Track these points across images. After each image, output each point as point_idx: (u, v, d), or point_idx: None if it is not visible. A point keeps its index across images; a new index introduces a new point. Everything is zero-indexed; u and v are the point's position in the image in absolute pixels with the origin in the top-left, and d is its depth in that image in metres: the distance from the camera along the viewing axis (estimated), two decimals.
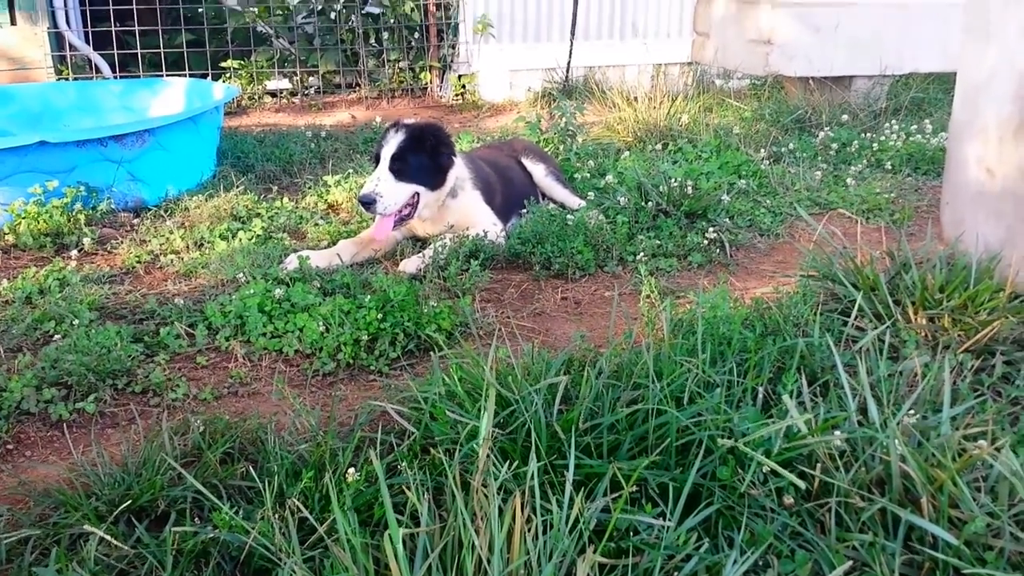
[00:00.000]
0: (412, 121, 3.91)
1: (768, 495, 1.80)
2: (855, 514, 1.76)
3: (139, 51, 7.42)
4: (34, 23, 7.18)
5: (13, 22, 7.16)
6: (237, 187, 4.71)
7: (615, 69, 8.15)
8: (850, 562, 1.57)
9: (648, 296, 3.17)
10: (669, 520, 1.71)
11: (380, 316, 2.91)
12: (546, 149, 5.19)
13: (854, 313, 2.65)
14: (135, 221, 4.26)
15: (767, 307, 2.84)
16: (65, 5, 7.33)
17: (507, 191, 4.23)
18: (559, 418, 2.03)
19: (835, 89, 6.64)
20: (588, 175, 4.88)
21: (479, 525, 1.57)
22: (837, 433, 1.90)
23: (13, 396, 2.48)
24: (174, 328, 2.97)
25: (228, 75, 7.74)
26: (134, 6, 7.29)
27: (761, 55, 6.71)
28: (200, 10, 7.86)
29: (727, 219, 4.09)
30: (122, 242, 3.94)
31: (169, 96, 6.00)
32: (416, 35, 8.12)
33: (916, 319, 2.72)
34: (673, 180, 4.21)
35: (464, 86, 8.05)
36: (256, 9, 7.74)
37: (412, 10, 7.90)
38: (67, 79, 7.11)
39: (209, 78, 7.31)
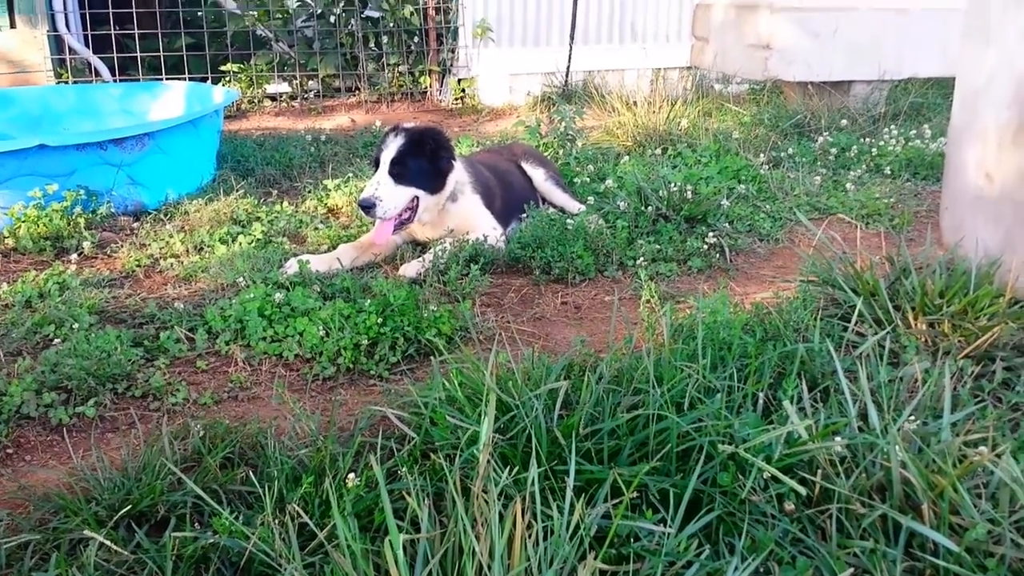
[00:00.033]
0: (412, 125, 3.91)
1: (769, 501, 1.80)
2: (856, 520, 1.76)
3: (139, 55, 7.43)
4: (34, 26, 7.19)
5: (13, 25, 7.17)
6: (237, 191, 4.70)
7: (614, 73, 8.16)
8: (851, 569, 1.57)
9: (648, 301, 3.18)
10: (670, 526, 1.71)
11: (380, 320, 2.91)
12: (546, 153, 5.20)
13: (854, 318, 2.65)
14: (135, 225, 4.25)
15: (767, 312, 2.84)
16: (65, 8, 7.35)
17: (507, 195, 4.23)
18: (559, 423, 2.03)
19: (834, 94, 6.65)
20: (588, 179, 4.88)
21: (479, 531, 1.57)
22: (838, 439, 1.90)
23: (13, 400, 2.48)
24: (174, 332, 2.97)
25: (228, 79, 7.75)
26: (134, 9, 7.30)
27: (760, 60, 6.72)
28: (200, 14, 7.89)
29: (727, 224, 4.09)
30: (122, 246, 3.94)
31: (169, 100, 6.00)
32: (415, 39, 8.13)
33: (916, 325, 2.72)
34: (673, 185, 4.22)
35: (464, 90, 8.06)
36: (256, 13, 7.75)
37: (411, 14, 7.91)
38: (67, 82, 7.12)
39: (209, 82, 7.31)
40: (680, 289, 3.47)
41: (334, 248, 3.85)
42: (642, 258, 3.68)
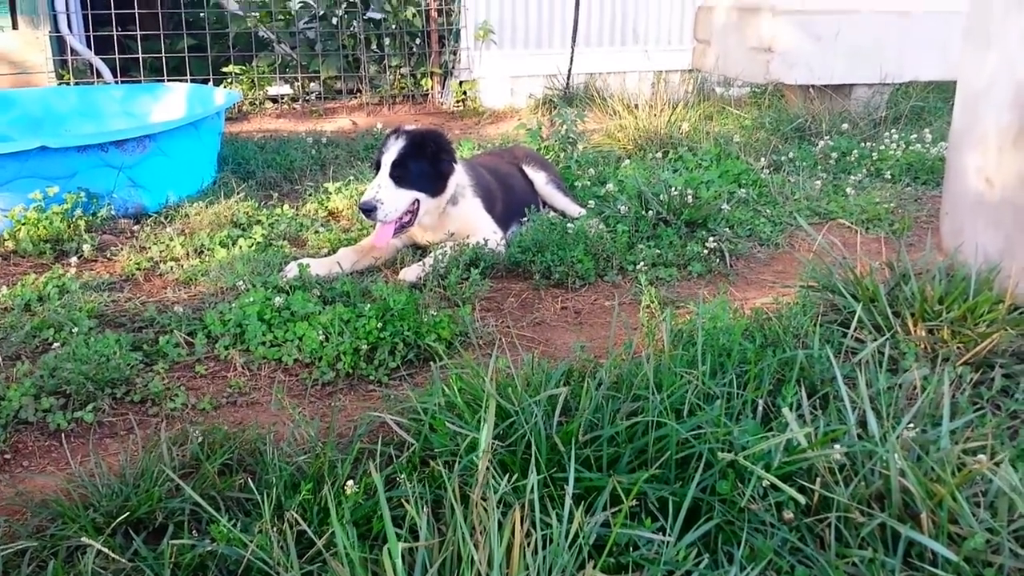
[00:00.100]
0: (413, 127, 3.91)
1: (768, 510, 1.79)
2: (855, 529, 1.75)
3: (140, 56, 7.44)
4: (36, 27, 7.19)
5: (15, 26, 7.18)
6: (238, 194, 4.71)
7: (616, 76, 8.16)
8: None
9: (648, 306, 3.18)
10: (669, 535, 1.71)
11: (380, 325, 2.90)
12: (547, 156, 5.19)
13: (854, 325, 2.65)
14: (135, 228, 4.25)
15: (767, 318, 2.84)
16: (67, 9, 7.35)
17: (508, 199, 4.23)
18: (559, 430, 2.02)
19: (835, 97, 6.64)
20: (589, 183, 4.88)
21: (478, 539, 1.57)
22: (837, 447, 1.90)
23: (11, 405, 2.48)
24: (173, 337, 2.97)
25: (229, 80, 7.76)
26: (136, 10, 7.30)
27: (762, 63, 6.72)
28: (202, 15, 7.90)
29: (727, 228, 4.09)
30: (122, 249, 3.94)
31: (170, 101, 6.01)
32: (417, 41, 8.14)
33: (915, 331, 2.71)
34: (673, 189, 4.22)
35: (465, 92, 8.06)
36: (258, 14, 7.76)
37: (414, 16, 7.92)
38: (68, 84, 7.12)
39: (210, 83, 7.32)
40: (680, 294, 3.47)
41: (334, 252, 3.85)
42: (642, 263, 3.68)
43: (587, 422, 2.04)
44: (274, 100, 7.94)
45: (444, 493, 1.80)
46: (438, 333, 2.94)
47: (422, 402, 2.25)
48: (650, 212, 4.12)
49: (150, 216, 4.46)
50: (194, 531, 1.91)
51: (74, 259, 3.80)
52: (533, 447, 1.94)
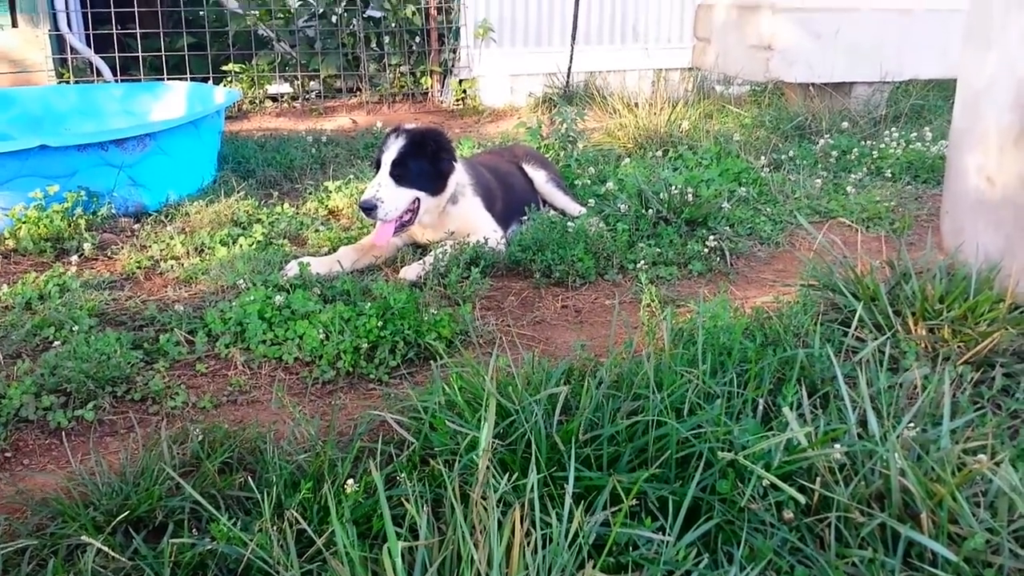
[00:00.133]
0: (413, 126, 3.90)
1: (768, 509, 1.80)
2: (855, 529, 1.75)
3: (140, 54, 7.44)
4: (35, 25, 7.19)
5: (14, 24, 7.18)
6: (238, 192, 4.71)
7: (616, 74, 8.16)
8: None
9: (648, 305, 3.18)
10: (669, 534, 1.71)
11: (380, 324, 2.90)
12: (547, 155, 5.19)
13: (854, 324, 2.65)
14: (135, 226, 4.25)
15: (767, 317, 2.84)
16: (66, 7, 7.35)
17: (508, 197, 4.23)
18: (559, 429, 2.02)
19: (835, 96, 6.64)
20: (589, 182, 4.88)
21: (478, 539, 1.57)
22: (837, 446, 1.90)
23: (12, 403, 2.48)
24: (174, 335, 2.97)
25: (229, 79, 7.76)
26: (135, 9, 7.30)
27: (762, 61, 6.72)
28: (201, 13, 7.89)
29: (727, 227, 4.09)
30: (122, 247, 3.94)
31: (170, 100, 6.01)
32: (417, 39, 8.14)
33: (916, 330, 2.71)
34: (674, 187, 4.22)
35: (465, 91, 8.06)
36: (257, 12, 7.75)
37: (413, 14, 7.91)
38: (68, 82, 7.12)
39: (210, 82, 7.31)
40: (680, 293, 3.47)
41: (335, 250, 3.85)
42: (643, 261, 3.68)
43: (587, 421, 2.04)
44: (274, 99, 7.93)
45: (444, 492, 1.80)
46: (438, 332, 2.94)
47: (422, 401, 2.25)
48: (650, 211, 4.12)
49: (150, 215, 4.46)
50: (194, 530, 1.91)
51: (75, 258, 3.80)
52: (533, 446, 1.94)
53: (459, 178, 3.95)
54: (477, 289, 3.42)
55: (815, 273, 3.12)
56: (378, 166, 3.79)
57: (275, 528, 1.75)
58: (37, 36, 7.18)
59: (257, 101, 7.77)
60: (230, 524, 1.80)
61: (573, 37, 7.73)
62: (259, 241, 4.00)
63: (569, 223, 3.88)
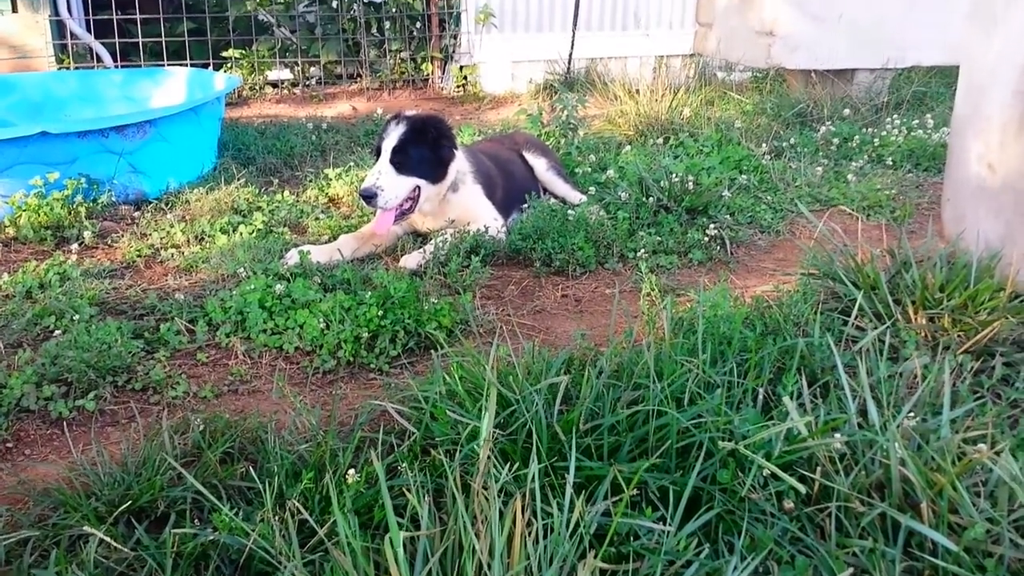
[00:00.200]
0: (413, 113, 3.89)
1: (768, 499, 1.80)
2: (855, 519, 1.76)
3: (140, 40, 7.40)
4: (35, 11, 7.15)
5: (15, 9, 7.14)
6: (238, 180, 4.70)
7: (617, 61, 8.12)
8: (850, 569, 1.57)
9: (649, 294, 3.18)
10: (669, 524, 1.71)
11: (381, 313, 2.90)
12: (547, 142, 5.17)
13: (854, 313, 2.65)
14: (136, 214, 4.25)
15: (767, 306, 2.84)
16: None
17: (508, 185, 4.22)
18: (560, 419, 2.03)
19: (837, 82, 6.62)
20: (589, 169, 4.87)
21: (479, 529, 1.57)
22: (837, 436, 1.90)
23: (13, 393, 2.48)
24: (174, 324, 2.97)
25: (229, 65, 7.72)
26: None
27: (764, 47, 6.69)
28: None
29: (728, 215, 4.08)
30: (123, 235, 3.93)
31: (171, 86, 5.98)
32: (418, 25, 8.09)
33: (916, 319, 2.71)
34: (674, 175, 4.21)
35: (466, 77, 8.03)
36: None
37: None
38: (68, 68, 7.09)
39: (210, 68, 7.29)
40: (681, 282, 3.47)
41: (335, 239, 3.84)
42: (643, 250, 3.67)
43: (588, 411, 2.04)
44: (274, 85, 7.90)
45: (445, 482, 1.81)
46: (439, 321, 2.94)
47: (423, 390, 2.25)
48: (651, 199, 4.11)
49: (150, 202, 4.45)
50: (196, 520, 1.92)
51: (75, 246, 3.80)
52: (534, 436, 1.94)
53: (460, 166, 3.94)
54: (477, 278, 3.42)
55: (815, 262, 3.12)
56: (378, 153, 3.78)
57: (277, 518, 1.75)
58: (37, 22, 7.14)
59: (257, 87, 7.74)
60: (232, 514, 1.80)
61: (574, 23, 7.70)
62: (259, 229, 3.99)
63: (570, 211, 3.88)
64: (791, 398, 2.03)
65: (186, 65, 7.24)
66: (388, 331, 2.87)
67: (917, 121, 5.81)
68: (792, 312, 2.73)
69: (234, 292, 3.12)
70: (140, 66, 7.20)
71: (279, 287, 3.09)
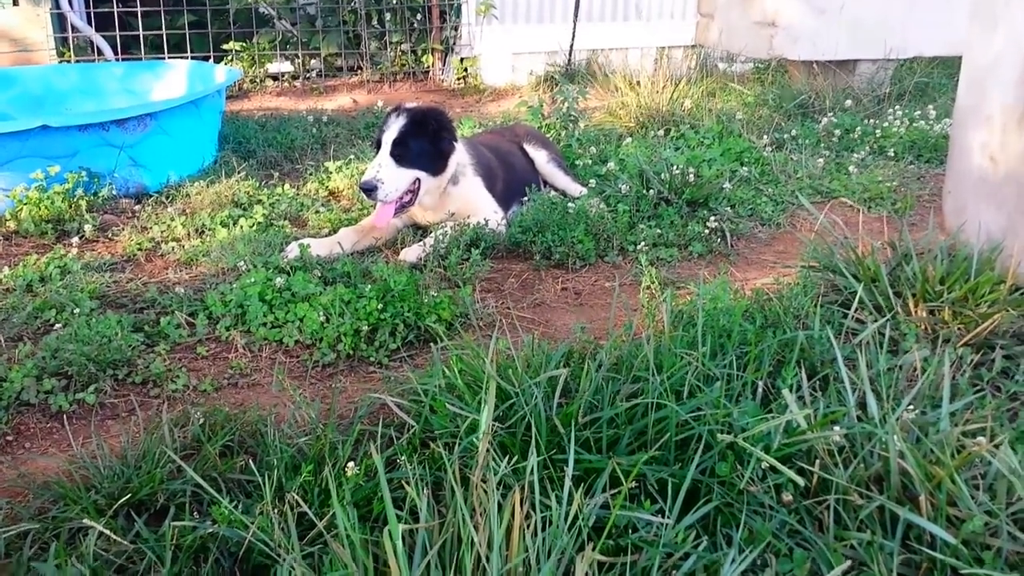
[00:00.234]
0: (414, 105, 3.89)
1: (767, 492, 1.80)
2: (853, 512, 1.76)
3: (141, 33, 7.39)
4: (36, 4, 7.14)
5: (15, 3, 7.13)
6: (238, 173, 4.69)
7: (618, 52, 8.10)
8: (848, 562, 1.57)
9: (648, 287, 3.17)
10: (668, 517, 1.71)
11: (380, 306, 2.90)
12: (548, 135, 5.16)
13: (854, 305, 2.65)
14: (136, 207, 4.25)
15: (767, 298, 2.84)
16: None
17: (509, 178, 4.21)
18: (559, 412, 2.03)
19: (839, 73, 6.60)
20: (590, 162, 4.86)
21: (478, 521, 1.58)
22: (836, 428, 1.90)
23: (13, 386, 2.48)
24: (174, 318, 2.97)
25: (230, 57, 7.71)
26: None
27: (765, 38, 6.68)
28: None
29: (728, 208, 4.08)
30: (123, 229, 3.94)
31: (171, 79, 5.98)
32: (418, 16, 8.07)
33: (916, 311, 2.71)
34: (675, 167, 4.20)
35: (466, 69, 8.01)
36: None
37: None
38: (69, 61, 7.08)
39: (211, 60, 7.28)
40: (681, 275, 3.46)
41: (335, 232, 3.84)
42: (643, 243, 3.67)
43: (587, 404, 2.04)
44: (274, 78, 7.89)
45: (444, 475, 1.81)
46: (438, 314, 2.94)
47: (422, 384, 2.25)
48: (651, 191, 4.11)
49: (151, 196, 4.45)
50: (195, 513, 1.92)
51: (76, 239, 3.80)
52: (533, 429, 1.94)
53: (460, 158, 3.93)
54: (477, 271, 3.42)
55: (816, 254, 3.11)
56: (378, 146, 3.77)
57: (276, 511, 1.75)
58: (38, 15, 7.13)
59: (258, 80, 7.73)
60: (231, 507, 1.80)
61: (575, 14, 7.67)
62: (260, 222, 3.99)
63: (570, 204, 3.87)
64: (790, 391, 2.03)
65: (187, 58, 7.22)
66: (388, 324, 2.88)
67: (919, 112, 5.79)
68: (792, 305, 2.73)
69: (234, 285, 3.12)
70: (141, 59, 7.19)
71: (279, 280, 3.09)
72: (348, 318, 2.87)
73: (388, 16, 7.95)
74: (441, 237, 3.60)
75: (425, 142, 3.75)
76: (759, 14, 6.76)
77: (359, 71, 8.03)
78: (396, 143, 3.70)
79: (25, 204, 3.99)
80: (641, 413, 2.02)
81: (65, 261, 3.46)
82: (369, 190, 3.65)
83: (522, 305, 3.22)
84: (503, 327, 2.91)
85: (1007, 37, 2.91)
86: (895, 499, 1.76)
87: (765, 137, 5.32)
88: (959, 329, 2.61)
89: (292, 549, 1.66)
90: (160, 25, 7.38)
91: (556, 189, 4.44)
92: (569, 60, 7.72)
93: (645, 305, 2.90)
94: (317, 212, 4.19)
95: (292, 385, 2.60)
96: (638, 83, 6.32)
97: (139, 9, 7.30)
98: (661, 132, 5.55)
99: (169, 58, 7.08)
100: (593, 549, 1.55)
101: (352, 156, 5.09)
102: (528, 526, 1.57)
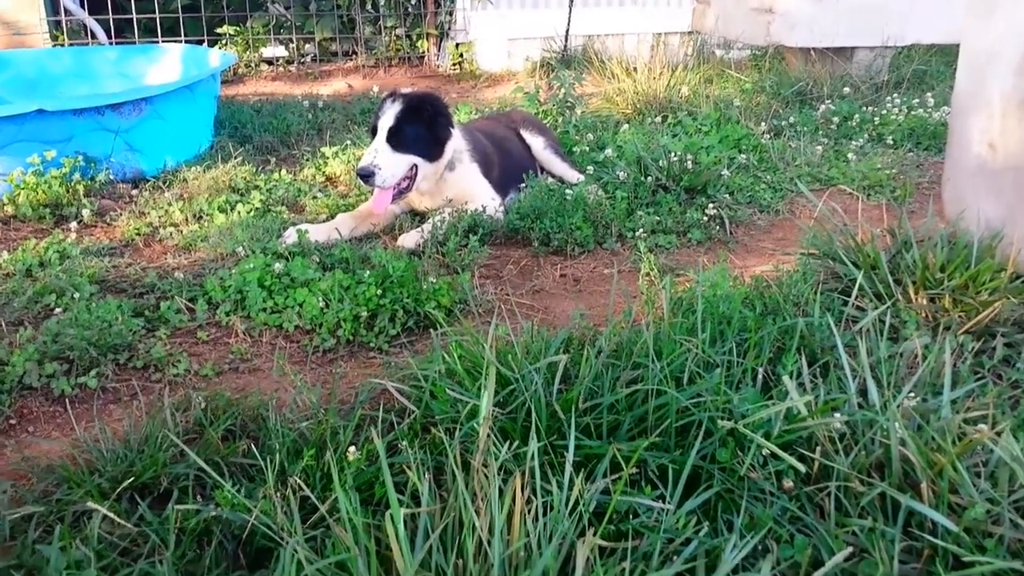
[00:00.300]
0: (409, 91, 3.87)
1: (768, 478, 1.81)
2: (855, 498, 1.76)
3: (135, 16, 7.35)
4: None
5: None
6: (235, 158, 4.68)
7: (614, 38, 8.07)
8: (849, 548, 1.58)
9: (647, 273, 3.18)
10: (669, 503, 1.72)
11: (379, 292, 2.90)
12: (544, 121, 5.15)
13: (854, 292, 2.65)
14: (134, 192, 4.23)
15: (767, 286, 2.84)
16: None
17: (505, 164, 4.21)
18: (559, 398, 2.03)
19: (837, 60, 6.59)
20: (587, 148, 4.85)
21: (479, 506, 1.58)
22: (837, 415, 1.91)
23: (15, 371, 2.48)
24: (174, 303, 2.97)
25: (224, 41, 7.68)
26: None
27: (763, 24, 6.66)
28: None
29: (727, 195, 4.08)
30: (121, 214, 3.92)
31: (165, 63, 5.95)
32: (413, 1, 8.03)
33: (917, 299, 2.72)
34: (673, 154, 4.19)
35: (462, 55, 7.98)
36: None
37: None
38: (62, 44, 7.04)
39: (205, 44, 7.24)
40: (679, 262, 3.47)
41: (333, 217, 3.83)
42: (641, 230, 3.67)
43: (587, 390, 2.05)
44: (269, 62, 7.86)
45: (445, 460, 1.81)
46: (438, 300, 2.94)
47: (422, 369, 2.25)
48: (649, 178, 4.10)
49: (148, 181, 4.43)
50: (198, 496, 1.92)
51: (74, 224, 3.78)
52: (533, 414, 1.95)
53: (456, 144, 3.92)
54: (476, 257, 3.41)
55: (815, 241, 3.11)
56: (374, 132, 3.76)
57: (278, 495, 1.76)
58: None
59: (252, 65, 7.70)
60: (234, 491, 1.81)
61: None
62: (257, 208, 3.98)
63: (567, 190, 3.86)
64: (791, 378, 2.03)
65: (181, 42, 7.19)
66: (387, 310, 2.87)
67: (917, 100, 5.80)
68: (792, 292, 2.73)
69: (233, 271, 3.12)
70: (134, 43, 7.15)
71: (278, 266, 3.08)
72: (347, 304, 2.86)
73: (382, 1, 7.91)
74: (439, 223, 3.59)
75: (421, 128, 3.73)
76: (756, 0, 6.74)
77: (354, 56, 8.00)
78: (392, 129, 3.69)
79: (22, 189, 3.97)
80: (641, 399, 2.03)
81: (64, 246, 3.45)
82: (366, 176, 3.64)
83: (521, 291, 3.22)
84: (502, 313, 2.91)
85: (1005, 24, 2.91)
86: (896, 486, 1.77)
87: (763, 124, 5.32)
88: (960, 317, 2.62)
89: (295, 532, 1.66)
90: (154, 9, 7.33)
91: (553, 176, 4.43)
92: (565, 46, 7.69)
93: (644, 292, 2.90)
94: (314, 198, 4.18)
95: (293, 370, 2.60)
96: (635, 69, 6.30)
97: None
98: (658, 119, 5.54)
99: (163, 42, 7.05)
100: (594, 534, 1.55)
101: (348, 142, 5.08)
102: (529, 511, 1.58)
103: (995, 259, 2.75)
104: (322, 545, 1.69)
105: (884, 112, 5.54)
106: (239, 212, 3.89)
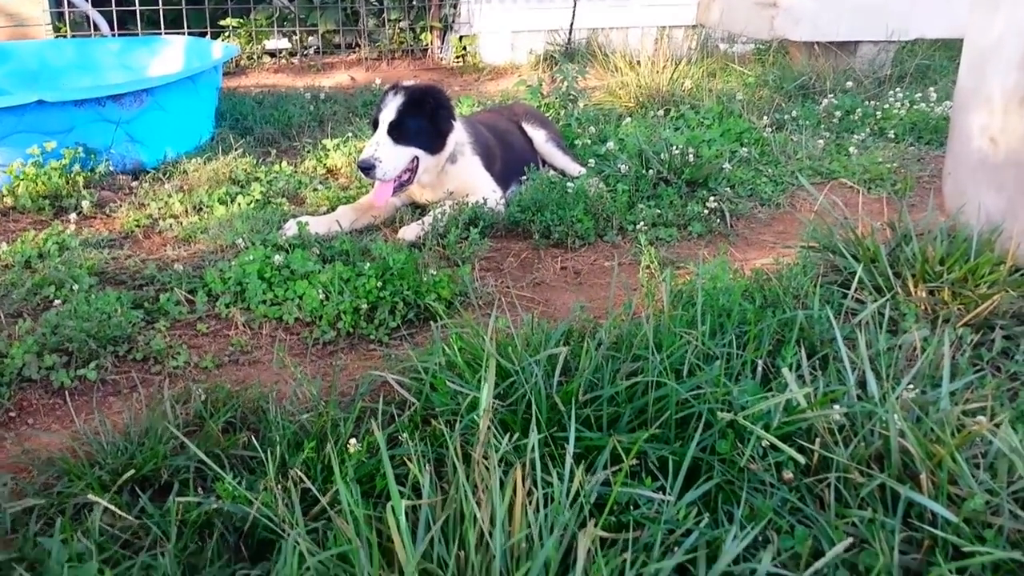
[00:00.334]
0: (411, 83, 3.87)
1: (767, 470, 1.81)
2: (854, 490, 1.77)
3: (137, 8, 7.34)
4: None
5: None
6: (236, 150, 4.68)
7: (618, 32, 8.06)
8: (849, 539, 1.58)
9: (648, 266, 3.17)
10: (669, 494, 1.72)
11: (380, 284, 2.90)
12: (547, 114, 5.15)
13: (854, 285, 2.65)
14: (133, 184, 4.23)
15: (767, 278, 2.84)
16: None
17: (507, 157, 4.20)
18: (559, 390, 2.03)
19: (840, 55, 6.58)
20: (589, 141, 4.85)
21: (480, 498, 1.58)
22: (836, 407, 1.91)
23: (15, 363, 2.48)
24: (174, 295, 2.97)
25: (227, 34, 7.67)
26: None
27: (767, 18, 6.65)
28: None
29: (728, 188, 4.07)
30: (121, 205, 3.92)
31: (167, 55, 5.94)
32: None
33: (916, 292, 2.71)
34: (675, 147, 4.19)
35: (465, 48, 7.97)
36: None
37: None
38: (65, 36, 7.04)
39: (208, 36, 7.23)
40: (680, 254, 3.46)
41: (333, 210, 3.83)
42: (642, 222, 3.67)
43: (587, 382, 2.05)
44: (272, 54, 7.85)
45: (446, 452, 1.81)
46: (438, 293, 2.94)
47: (423, 361, 2.26)
48: (651, 171, 4.10)
49: (148, 172, 4.43)
50: (199, 488, 1.93)
51: (73, 215, 3.78)
52: (533, 406, 1.95)
53: (458, 137, 3.92)
54: (476, 250, 3.41)
55: (815, 235, 3.11)
56: (376, 125, 3.75)
57: (279, 487, 1.76)
58: None
59: (255, 57, 7.69)
60: (235, 483, 1.81)
61: None
62: (257, 200, 3.98)
63: (569, 183, 3.86)
64: (790, 370, 2.03)
65: (183, 34, 7.18)
66: (387, 302, 2.87)
67: (920, 94, 5.78)
68: (792, 285, 2.73)
69: (233, 263, 3.12)
70: (137, 34, 7.14)
71: (278, 258, 3.08)
72: (347, 296, 2.86)
73: None
74: (440, 216, 3.59)
75: (423, 120, 3.73)
76: None
77: (357, 48, 7.99)
78: (394, 122, 3.68)
79: (22, 180, 3.97)
80: (641, 391, 2.03)
81: (63, 237, 3.45)
82: (367, 168, 3.64)
83: (521, 284, 3.22)
84: (502, 306, 2.91)
85: (1008, 19, 2.90)
86: (896, 477, 1.77)
87: (765, 118, 5.31)
88: (959, 309, 2.61)
89: (296, 524, 1.66)
90: (157, 1, 7.32)
91: (555, 168, 4.43)
92: (569, 39, 7.68)
93: (645, 284, 2.90)
94: (315, 190, 4.18)
95: (293, 362, 2.61)
96: (638, 63, 6.30)
97: None
98: (661, 112, 5.53)
99: (166, 34, 7.04)
100: (595, 525, 1.55)
101: (350, 134, 5.07)
102: (530, 502, 1.58)
103: (994, 252, 2.75)
104: (324, 537, 1.70)
105: (886, 106, 5.53)
106: (239, 204, 3.89)
